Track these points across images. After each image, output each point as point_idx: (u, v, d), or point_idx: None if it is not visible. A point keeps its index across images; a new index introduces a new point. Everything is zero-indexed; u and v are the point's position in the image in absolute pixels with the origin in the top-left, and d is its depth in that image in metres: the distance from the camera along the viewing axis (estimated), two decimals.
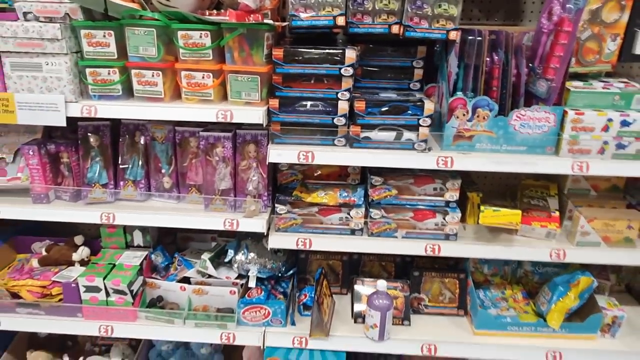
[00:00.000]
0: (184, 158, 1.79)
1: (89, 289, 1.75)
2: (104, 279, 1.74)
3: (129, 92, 1.64)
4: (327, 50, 1.52)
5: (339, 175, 1.83)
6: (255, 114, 1.55)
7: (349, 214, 1.72)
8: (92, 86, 1.60)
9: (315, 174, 1.82)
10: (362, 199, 1.71)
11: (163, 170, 1.81)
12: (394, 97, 1.62)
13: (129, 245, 1.95)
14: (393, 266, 2.00)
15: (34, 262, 1.89)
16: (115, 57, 1.57)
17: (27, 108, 1.58)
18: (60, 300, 1.78)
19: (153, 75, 1.57)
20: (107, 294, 1.77)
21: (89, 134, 1.77)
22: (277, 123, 1.61)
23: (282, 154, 1.60)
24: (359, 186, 1.75)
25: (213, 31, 1.51)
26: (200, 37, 1.52)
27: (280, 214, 1.73)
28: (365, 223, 1.74)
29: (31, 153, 1.71)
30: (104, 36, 1.55)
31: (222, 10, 1.62)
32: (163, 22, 1.51)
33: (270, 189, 1.78)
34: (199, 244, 2.13)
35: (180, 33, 1.52)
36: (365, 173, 1.79)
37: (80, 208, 1.76)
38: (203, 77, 1.56)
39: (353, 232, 1.74)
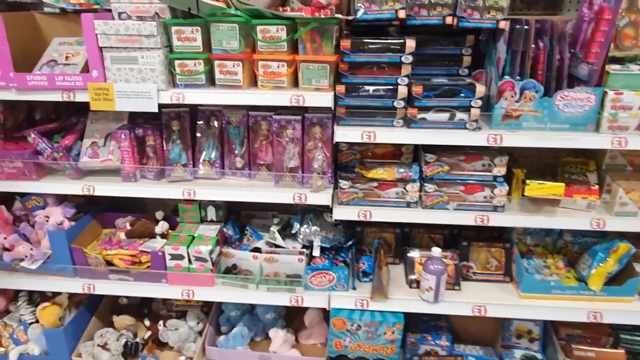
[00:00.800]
0: (255, 140, 2.00)
1: (174, 257, 1.98)
2: (187, 247, 1.97)
3: (211, 80, 1.85)
4: (389, 41, 1.71)
5: (393, 155, 2.02)
6: (324, 99, 1.75)
7: (405, 188, 1.91)
8: (180, 76, 1.82)
9: (372, 154, 2.02)
10: (418, 174, 1.89)
11: (236, 151, 2.02)
12: (446, 82, 1.80)
13: (203, 220, 2.18)
14: (441, 238, 2.19)
15: (121, 235, 2.13)
16: (201, 50, 1.79)
17: (124, 96, 1.81)
18: (148, 267, 2.01)
19: (234, 66, 1.78)
20: (190, 261, 1.99)
21: (171, 120, 1.99)
22: (342, 106, 1.80)
23: (346, 134, 1.80)
24: (413, 163, 1.94)
25: (288, 26, 1.71)
26: (277, 31, 1.72)
27: (344, 189, 1.93)
28: (420, 196, 1.92)
29: (123, 137, 1.94)
30: (192, 32, 1.76)
31: (288, 8, 1.82)
32: (244, 19, 1.72)
33: (332, 167, 1.98)
34: (262, 220, 2.34)
35: (259, 28, 1.72)
36: (418, 152, 1.98)
37: (164, 185, 1.99)
38: (278, 67, 1.77)
39: (408, 204, 1.93)
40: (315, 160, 1.93)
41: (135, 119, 2.09)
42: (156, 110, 1.81)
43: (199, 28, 1.76)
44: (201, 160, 2.03)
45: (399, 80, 1.75)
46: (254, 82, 1.86)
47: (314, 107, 1.79)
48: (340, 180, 1.93)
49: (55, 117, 2.23)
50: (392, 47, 1.71)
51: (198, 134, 2.03)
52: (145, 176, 2.05)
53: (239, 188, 1.97)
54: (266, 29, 1.72)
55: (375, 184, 1.92)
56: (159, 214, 2.17)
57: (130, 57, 1.78)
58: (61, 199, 2.17)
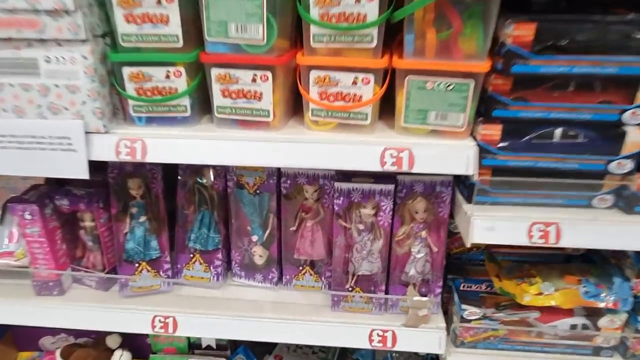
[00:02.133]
0: (290, 217, 1.03)
1: None
2: None
3: (202, 110, 0.88)
4: (624, 25, 0.73)
5: None
6: (458, 157, 0.79)
7: (590, 320, 0.97)
8: (136, 101, 0.84)
9: None
10: (628, 299, 0.94)
11: (253, 237, 1.06)
12: None
13: (193, 347, 1.22)
14: None
15: None
16: (180, 43, 0.80)
17: (14, 145, 0.83)
18: None
19: (255, 80, 0.80)
20: None
21: (127, 178, 1.01)
22: (487, 168, 0.84)
23: (495, 227, 0.83)
24: (611, 269, 0.98)
25: None
26: (355, 1, 0.73)
27: (469, 320, 0.98)
28: (622, 339, 0.98)
29: (29, 217, 0.97)
30: (159, 1, 0.77)
31: None
32: None
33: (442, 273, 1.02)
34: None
35: None
36: None
37: (116, 304, 1.03)
38: (355, 82, 0.79)
39: (597, 351, 0.98)
40: (413, 261, 0.97)
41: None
42: (85, 175, 0.84)
43: None
44: (187, 252, 1.07)
45: (626, 116, 0.78)
46: (294, 113, 0.89)
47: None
48: (463, 307, 0.97)
49: None
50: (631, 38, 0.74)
51: (180, 205, 1.06)
52: (82, 281, 1.09)
53: (258, 313, 1.01)
54: None
55: (536, 313, 0.97)
56: (113, 340, 1.20)
57: (21, 61, 0.79)
58: None
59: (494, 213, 0.85)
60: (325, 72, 0.79)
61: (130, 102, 0.84)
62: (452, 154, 0.79)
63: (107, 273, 1.06)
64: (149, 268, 1.05)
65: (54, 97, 0.81)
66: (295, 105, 0.90)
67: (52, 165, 0.82)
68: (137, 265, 1.04)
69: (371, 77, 0.78)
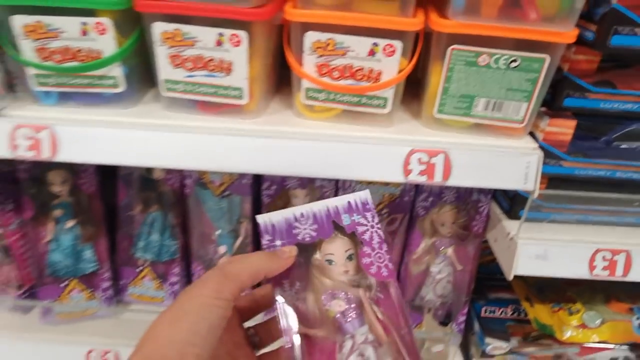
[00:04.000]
0: None
1: None
2: None
3: (145, 83, 0.60)
4: None
5: None
6: (512, 165, 0.56)
7: (635, 352, 0.79)
8: (39, 69, 0.56)
9: None
10: None
11: (221, 248, 0.81)
12: None
13: None
14: None
15: None
16: None
17: None
18: None
19: (221, 42, 0.52)
20: None
21: (45, 170, 0.74)
22: (544, 177, 0.61)
23: (549, 255, 0.62)
24: None
25: None
26: None
27: (493, 357, 0.79)
28: None
29: None
30: None
31: None
32: None
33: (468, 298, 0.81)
34: None
35: None
36: None
37: (37, 334, 0.79)
38: (372, 52, 0.53)
39: None
40: (432, 283, 0.76)
41: None
42: None
43: None
44: (132, 265, 0.82)
45: None
46: (278, 91, 0.63)
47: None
48: (487, 340, 0.78)
49: None
50: None
51: (123, 204, 0.80)
52: None
53: None
54: None
55: (576, 349, 0.79)
56: None
57: None
58: None
59: (548, 235, 0.63)
60: (328, 35, 0.52)
61: (29, 69, 0.55)
62: (507, 161, 0.55)
63: (25, 292, 0.80)
64: (83, 286, 0.80)
65: None
66: (280, 82, 0.63)
67: None
68: (65, 283, 0.79)
69: (397, 44, 0.52)
